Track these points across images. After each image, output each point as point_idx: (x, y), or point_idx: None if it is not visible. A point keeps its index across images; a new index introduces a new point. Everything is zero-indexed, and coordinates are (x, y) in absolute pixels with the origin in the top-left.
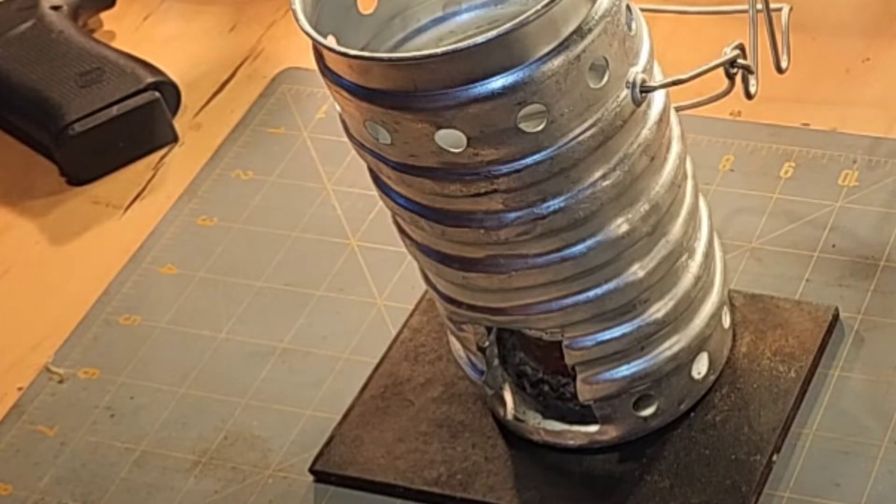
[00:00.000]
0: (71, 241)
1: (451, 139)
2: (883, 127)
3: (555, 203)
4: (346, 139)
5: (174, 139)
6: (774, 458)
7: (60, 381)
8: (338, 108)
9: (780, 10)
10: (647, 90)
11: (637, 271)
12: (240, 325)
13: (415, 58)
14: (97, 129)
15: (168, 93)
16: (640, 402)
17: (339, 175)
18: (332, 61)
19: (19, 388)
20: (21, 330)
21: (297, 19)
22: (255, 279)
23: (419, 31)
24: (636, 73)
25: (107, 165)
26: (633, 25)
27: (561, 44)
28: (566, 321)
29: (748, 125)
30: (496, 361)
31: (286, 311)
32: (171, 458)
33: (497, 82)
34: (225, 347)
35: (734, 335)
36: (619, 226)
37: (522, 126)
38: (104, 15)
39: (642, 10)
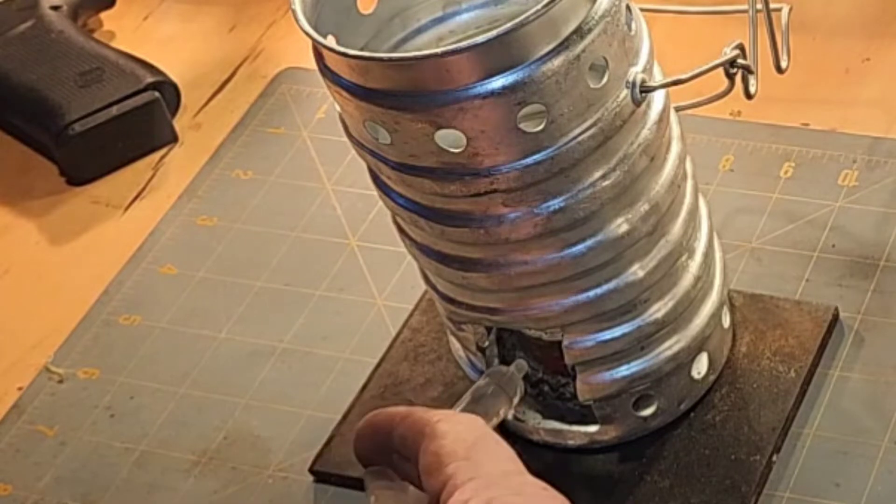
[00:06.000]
0: (71, 241)
1: (451, 139)
2: (883, 127)
3: (555, 203)
4: (346, 139)
5: (174, 139)
6: (774, 458)
7: (60, 381)
8: (338, 108)
9: (780, 10)
10: (647, 90)
11: (637, 271)
12: (240, 325)
13: (415, 58)
14: (97, 129)
15: (168, 93)
16: (640, 402)
17: (339, 175)
18: (332, 61)
19: (19, 388)
20: (21, 330)
21: (296, 19)
22: (255, 279)
23: (419, 31)
24: (636, 73)
25: (107, 165)
26: (633, 25)
27: (561, 44)
28: (566, 321)
29: (748, 125)
30: (496, 361)
31: (286, 311)
32: (171, 458)
33: (497, 82)
34: (225, 347)
35: (734, 335)
36: (619, 226)
37: (522, 126)
38: (104, 15)
39: (642, 10)
